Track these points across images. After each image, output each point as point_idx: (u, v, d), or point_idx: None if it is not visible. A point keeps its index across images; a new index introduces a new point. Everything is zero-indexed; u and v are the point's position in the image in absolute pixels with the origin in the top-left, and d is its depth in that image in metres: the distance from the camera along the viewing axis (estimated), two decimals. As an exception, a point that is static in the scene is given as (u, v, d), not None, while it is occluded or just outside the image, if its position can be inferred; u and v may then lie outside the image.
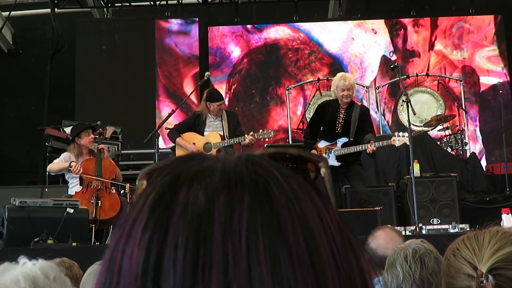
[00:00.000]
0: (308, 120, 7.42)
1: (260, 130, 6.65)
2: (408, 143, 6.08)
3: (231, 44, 11.04)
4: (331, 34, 10.92)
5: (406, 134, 6.12)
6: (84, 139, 6.41)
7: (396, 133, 6.20)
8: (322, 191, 0.52)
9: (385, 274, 2.04)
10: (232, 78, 10.87)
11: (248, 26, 11.08)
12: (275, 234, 0.44)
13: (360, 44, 10.91)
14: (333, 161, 6.14)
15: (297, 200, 0.47)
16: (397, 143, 6.12)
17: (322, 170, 0.55)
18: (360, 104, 6.55)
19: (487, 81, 10.68)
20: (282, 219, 0.45)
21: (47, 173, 8.67)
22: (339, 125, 6.23)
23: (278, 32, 11.03)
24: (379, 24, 10.99)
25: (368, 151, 6.00)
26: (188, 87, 10.65)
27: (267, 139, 6.64)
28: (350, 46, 10.91)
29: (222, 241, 0.44)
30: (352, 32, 10.94)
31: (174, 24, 10.99)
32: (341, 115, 6.23)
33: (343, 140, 6.20)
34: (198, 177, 0.47)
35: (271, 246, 0.44)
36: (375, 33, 10.96)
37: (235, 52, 11.01)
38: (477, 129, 10.54)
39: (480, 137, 10.51)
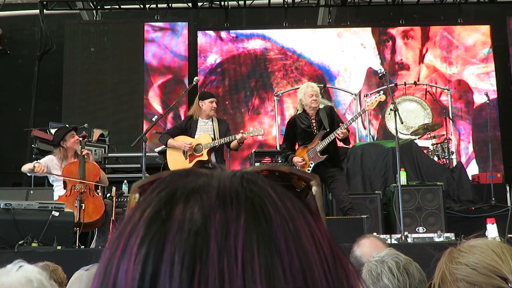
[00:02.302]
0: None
1: (251, 128, 6.68)
2: (381, 100, 6.48)
3: (208, 51, 10.93)
4: (317, 45, 10.85)
5: (378, 94, 6.55)
6: (69, 141, 6.40)
7: (366, 99, 6.51)
8: (313, 209, 0.53)
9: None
10: (203, 88, 10.55)
11: (223, 34, 10.97)
12: (270, 253, 0.45)
13: (346, 55, 10.84)
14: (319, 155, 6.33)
15: (291, 218, 0.48)
16: (373, 106, 6.56)
17: (314, 188, 0.56)
18: (323, 105, 6.85)
19: (480, 93, 10.61)
20: (277, 238, 0.46)
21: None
22: (314, 129, 6.45)
23: (257, 43, 10.95)
24: (367, 35, 10.97)
25: (338, 137, 6.21)
26: (152, 95, 10.63)
27: (258, 137, 6.70)
28: (335, 58, 10.82)
29: (218, 258, 0.44)
30: (339, 43, 10.89)
31: (163, 27, 10.96)
32: (314, 122, 6.47)
33: (322, 132, 6.37)
34: (194, 194, 0.48)
35: (266, 264, 0.45)
36: (362, 44, 10.94)
37: (210, 59, 10.89)
38: (470, 145, 10.53)
39: (471, 149, 10.51)
